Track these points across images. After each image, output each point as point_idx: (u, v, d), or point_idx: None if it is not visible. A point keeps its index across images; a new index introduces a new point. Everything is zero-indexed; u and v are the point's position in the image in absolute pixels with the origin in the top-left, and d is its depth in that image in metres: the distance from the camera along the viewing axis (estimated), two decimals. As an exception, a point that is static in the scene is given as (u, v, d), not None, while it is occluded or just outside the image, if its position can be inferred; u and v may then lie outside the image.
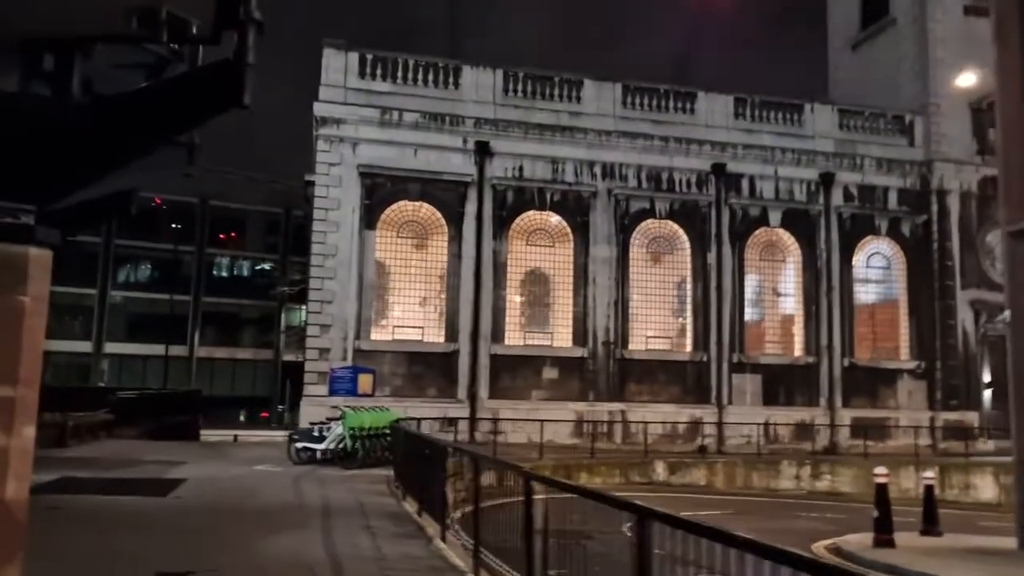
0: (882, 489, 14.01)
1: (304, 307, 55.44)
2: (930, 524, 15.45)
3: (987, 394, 29.32)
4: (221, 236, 60.45)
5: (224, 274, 62.81)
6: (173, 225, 56.83)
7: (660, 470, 24.12)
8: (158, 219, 58.99)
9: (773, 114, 28.93)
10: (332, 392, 24.37)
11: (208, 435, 34.54)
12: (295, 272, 50.57)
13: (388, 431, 17.60)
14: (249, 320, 61.74)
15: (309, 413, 23.76)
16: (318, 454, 16.95)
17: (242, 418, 55.83)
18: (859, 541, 14.98)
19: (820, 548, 15.62)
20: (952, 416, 28.47)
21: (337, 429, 16.91)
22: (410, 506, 11.60)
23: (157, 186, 49.05)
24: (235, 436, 32.19)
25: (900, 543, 13.99)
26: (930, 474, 16.49)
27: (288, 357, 58.35)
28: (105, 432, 21.58)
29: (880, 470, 14.49)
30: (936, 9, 30.01)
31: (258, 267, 63.08)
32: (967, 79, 28.40)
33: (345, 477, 15.13)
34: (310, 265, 25.18)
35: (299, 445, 17.13)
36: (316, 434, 17.15)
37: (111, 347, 56.92)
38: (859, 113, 29.79)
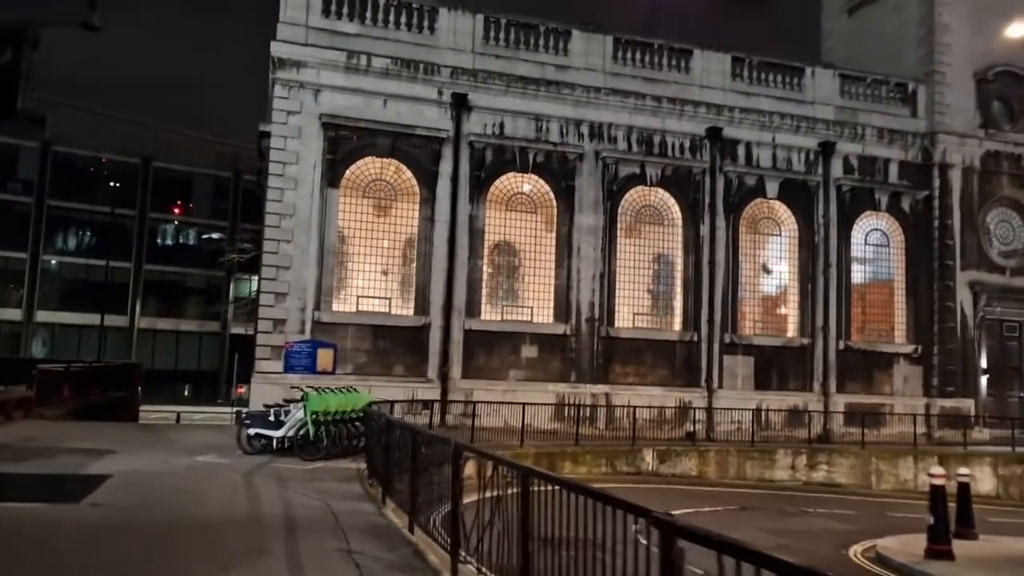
0: (939, 492, 12.09)
1: (255, 277, 52.34)
2: (965, 526, 13.68)
3: (983, 380, 27.98)
4: (165, 200, 56.57)
5: (168, 241, 59.00)
6: (113, 185, 52.83)
7: (649, 459, 22.14)
8: (96, 180, 55.00)
9: (772, 77, 26.89)
10: (288, 369, 21.73)
11: (148, 412, 31.54)
12: (245, 241, 47.27)
13: (356, 416, 15.14)
14: (195, 290, 58.13)
15: (261, 392, 21.06)
16: (274, 442, 14.37)
17: (186, 393, 52.66)
18: (903, 549, 13.09)
19: (858, 556, 13.79)
20: (948, 403, 27.07)
21: (297, 413, 14.34)
22: (395, 516, 9.23)
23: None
24: (177, 415, 29.36)
25: (956, 552, 12.19)
26: (965, 470, 14.67)
27: (237, 330, 55.14)
28: (21, 412, 18.59)
29: (936, 470, 12.57)
30: (943, -29, 28.24)
31: (205, 234, 59.38)
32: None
33: (308, 472, 12.63)
34: (264, 226, 22.38)
35: (251, 431, 14.53)
36: (272, 419, 14.55)
37: (44, 316, 52.93)
38: (861, 79, 27.92)
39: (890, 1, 30.39)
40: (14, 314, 52.27)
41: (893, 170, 27.79)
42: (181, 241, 59.67)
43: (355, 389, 16.13)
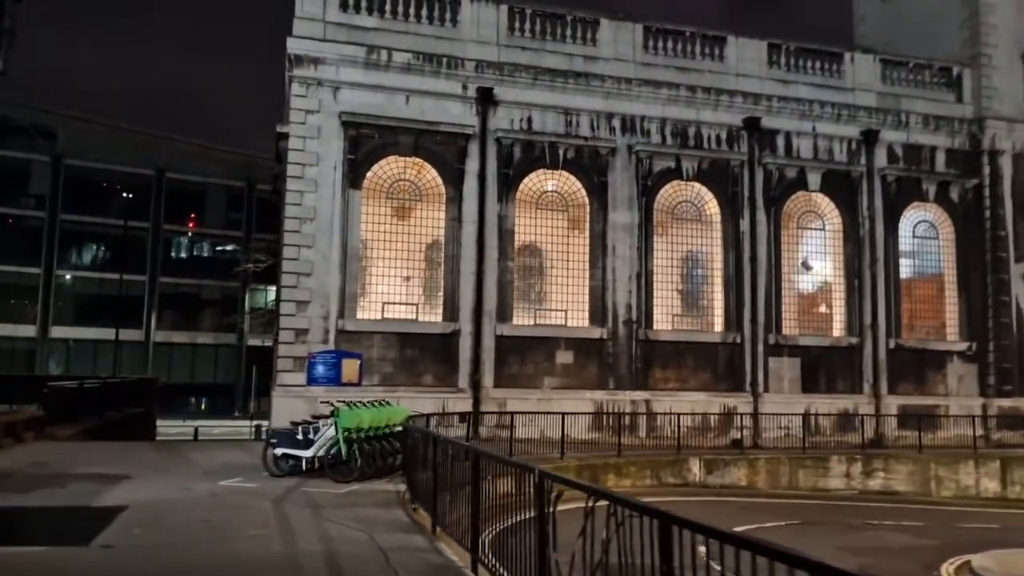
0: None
1: (271, 287, 51.33)
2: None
3: (1042, 378, 26.46)
4: (178, 211, 55.73)
5: (182, 252, 58.19)
6: (126, 198, 52.00)
7: (695, 469, 20.85)
8: (109, 193, 54.24)
9: (810, 63, 25.55)
10: (311, 381, 20.56)
11: (165, 427, 30.52)
12: (260, 251, 46.30)
13: (390, 432, 13.94)
14: (210, 302, 57.24)
15: (284, 407, 19.95)
16: (303, 463, 13.17)
17: (203, 407, 51.71)
18: (1004, 568, 11.77)
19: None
20: (1006, 403, 25.58)
21: (328, 431, 13.13)
22: (450, 549, 8.01)
23: None
24: (195, 430, 28.28)
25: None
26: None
27: (253, 342, 54.18)
28: (32, 433, 17.48)
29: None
30: (987, -52, 26.85)
31: (219, 245, 58.51)
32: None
33: (343, 497, 11.41)
34: (283, 231, 21.25)
35: (278, 451, 13.32)
36: (300, 437, 13.34)
37: (59, 331, 52.15)
38: (903, 64, 26.54)
39: (929, -18, 29.00)
40: (29, 330, 51.53)
41: (940, 158, 26.38)
42: (195, 253, 58.85)
43: (387, 402, 14.91)
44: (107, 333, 47.64)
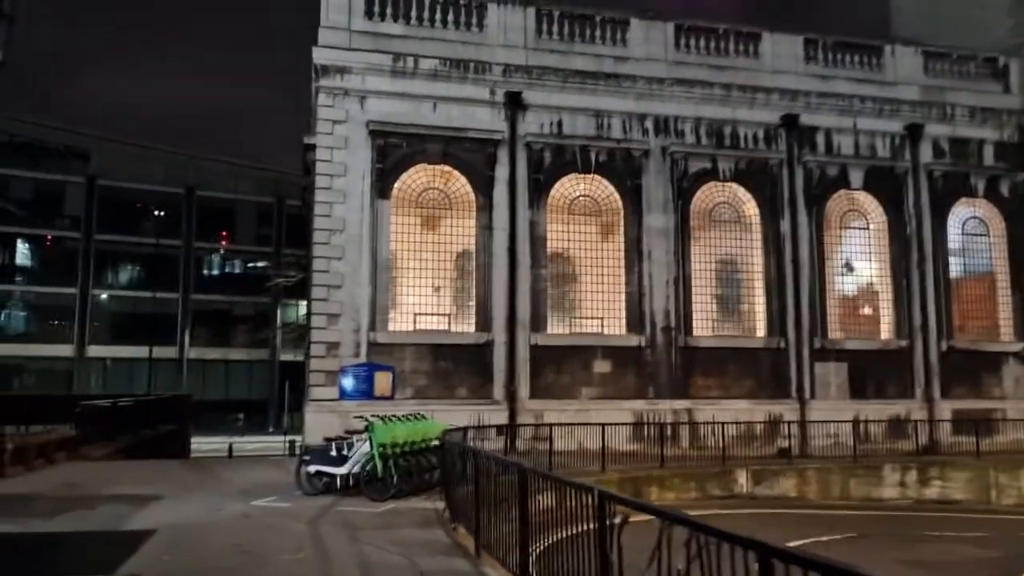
0: None
1: (303, 302, 51.28)
2: None
3: (1103, 378, 25.23)
4: (209, 228, 56.00)
5: (214, 270, 58.45)
6: (158, 215, 52.32)
7: (742, 480, 20.02)
8: (142, 212, 54.69)
9: (849, 57, 24.73)
10: (343, 395, 20.16)
11: (199, 444, 30.31)
12: (290, 265, 46.27)
13: (427, 447, 13.42)
14: (242, 318, 57.37)
15: (316, 422, 19.54)
16: (338, 480, 12.69)
17: (238, 423, 51.67)
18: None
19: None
20: (1067, 404, 24.38)
21: (363, 447, 12.64)
22: (495, 573, 7.44)
23: None
24: (229, 447, 28.04)
25: None
26: None
27: (285, 357, 54.14)
28: (64, 453, 17.24)
29: None
30: (1032, -68, 25.90)
31: (250, 261, 58.70)
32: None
33: (380, 517, 10.89)
34: (313, 244, 20.90)
35: (312, 468, 12.86)
36: (334, 453, 12.86)
37: (95, 350, 52.54)
38: (946, 56, 25.60)
39: (969, -29, 28.08)
40: (66, 350, 51.97)
41: (988, 152, 25.36)
42: (227, 269, 59.10)
43: (422, 416, 14.40)
44: (142, 351, 47.86)
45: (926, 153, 24.72)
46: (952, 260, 24.79)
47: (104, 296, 54.34)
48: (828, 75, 24.36)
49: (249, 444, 35.55)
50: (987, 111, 25.31)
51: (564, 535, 5.61)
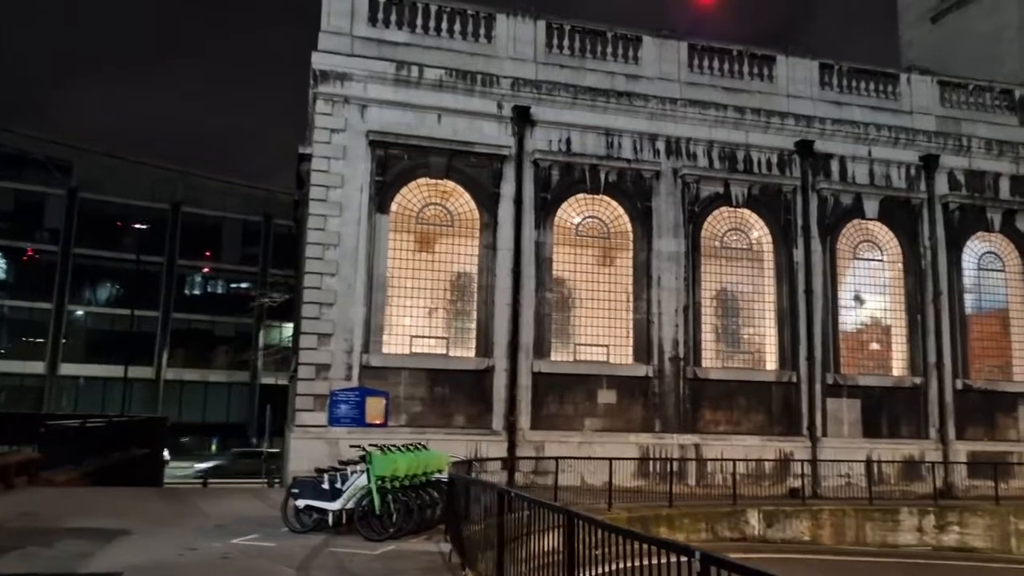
0: None
1: (285, 324, 49.75)
2: None
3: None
4: (194, 246, 54.55)
5: (196, 289, 56.89)
6: (141, 231, 50.84)
7: (754, 521, 18.87)
8: (124, 228, 53.21)
9: (864, 85, 24.02)
10: (332, 421, 18.83)
11: (174, 468, 28.74)
12: (276, 286, 44.94)
13: (428, 480, 12.16)
14: (223, 339, 55.75)
15: (302, 450, 18.21)
16: (330, 516, 11.35)
17: (213, 448, 49.88)
18: None
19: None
20: (1085, 449, 23.43)
21: (359, 479, 11.34)
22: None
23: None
24: (205, 473, 26.46)
25: None
26: None
27: (267, 380, 52.51)
28: (25, 477, 15.75)
29: None
30: (1047, -35, 25.49)
31: (234, 281, 57.22)
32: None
33: (378, 560, 9.60)
34: (305, 258, 19.68)
35: (301, 503, 11.53)
36: (326, 486, 11.54)
37: (68, 368, 50.68)
38: (962, 86, 24.98)
39: (983, 4, 27.61)
40: (37, 367, 50.07)
41: (1004, 185, 24.66)
42: (209, 288, 57.56)
43: (423, 446, 13.12)
44: (117, 371, 46.13)
45: (942, 185, 23.98)
46: (967, 296, 23.92)
47: (80, 312, 52.60)
48: (843, 102, 23.63)
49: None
50: (1003, 144, 24.66)
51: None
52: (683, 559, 4.02)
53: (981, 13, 27.54)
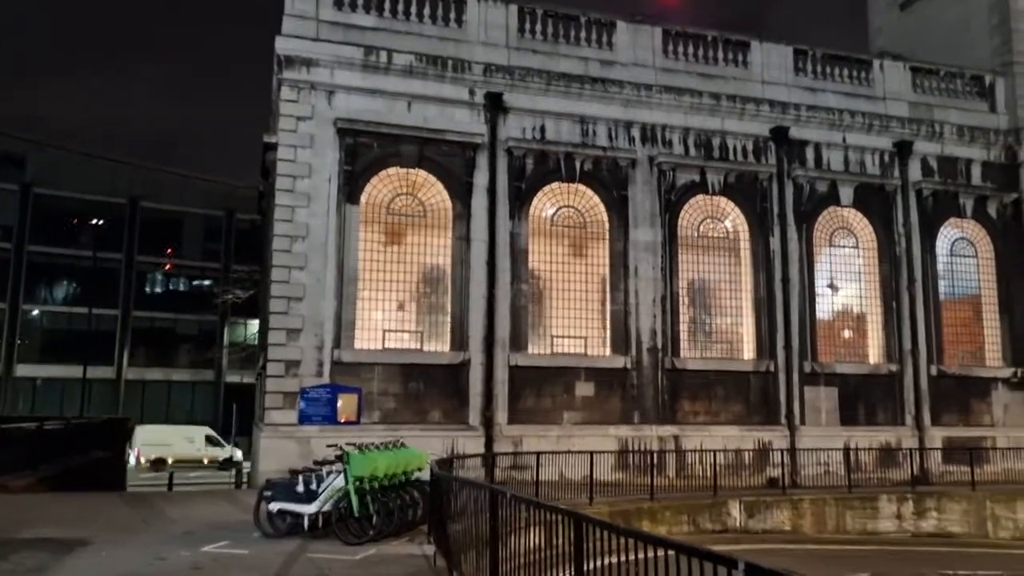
0: None
1: (250, 320, 48.67)
2: None
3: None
4: (154, 242, 53.07)
5: (157, 286, 55.41)
6: (98, 227, 49.28)
7: (735, 512, 18.64)
8: (81, 223, 51.57)
9: (838, 71, 23.89)
10: (303, 419, 18.19)
11: (139, 471, 27.83)
12: (240, 284, 43.82)
13: (408, 479, 11.63)
14: (186, 337, 54.35)
15: (271, 449, 17.58)
16: (306, 520, 10.75)
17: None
18: None
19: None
20: (1056, 432, 23.63)
21: (336, 480, 10.76)
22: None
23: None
24: (170, 476, 25.62)
25: None
26: None
27: (232, 378, 51.36)
28: (-23, 485, 14.91)
29: None
30: (1015, -48, 25.56)
31: (197, 278, 55.85)
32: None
33: (358, 566, 9.06)
34: (272, 251, 18.96)
35: (275, 506, 10.92)
36: (301, 488, 10.93)
37: (24, 370, 49.00)
38: (934, 72, 24.99)
39: (952, -9, 27.69)
40: (-9, 368, 48.36)
41: (976, 171, 24.73)
42: (171, 286, 56.10)
43: (402, 444, 12.56)
44: (76, 371, 44.60)
45: (915, 171, 23.96)
46: (941, 282, 23.96)
47: (36, 312, 50.90)
48: (817, 88, 23.48)
49: (192, 471, 32.95)
50: (975, 130, 24.73)
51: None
52: (725, 570, 3.57)
53: (949, 1, 27.60)
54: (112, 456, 24.28)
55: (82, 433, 23.26)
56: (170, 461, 33.05)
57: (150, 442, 35.94)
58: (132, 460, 36.12)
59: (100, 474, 21.59)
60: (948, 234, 24.29)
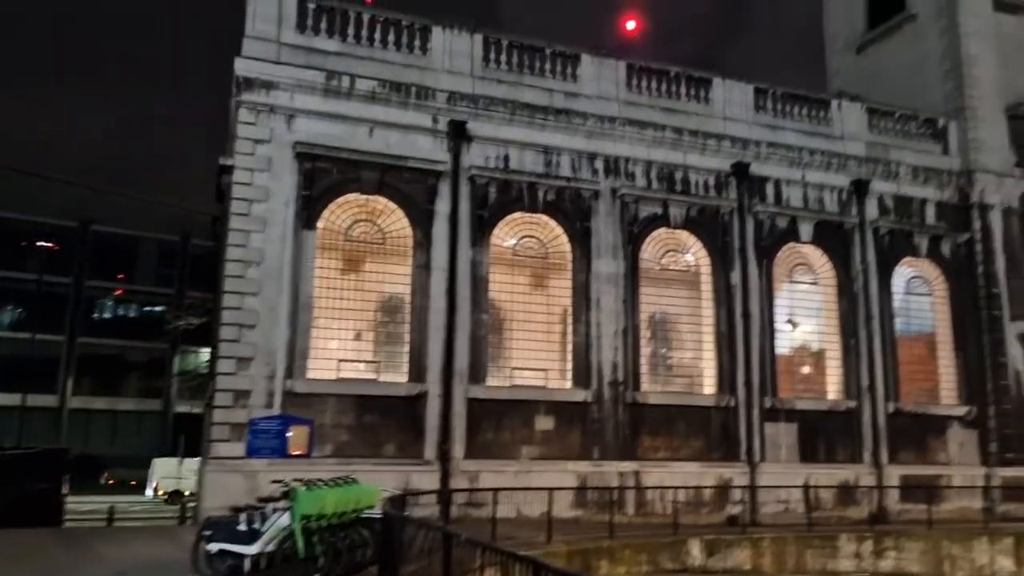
0: None
1: (201, 349, 47.34)
2: None
3: (1044, 445, 24.88)
4: (105, 266, 51.69)
5: (106, 312, 53.89)
6: (44, 249, 47.77)
7: (696, 551, 18.27)
8: (28, 246, 50.01)
9: (797, 109, 24.20)
10: (252, 452, 17.47)
11: (77, 504, 26.45)
12: (192, 311, 42.71)
13: (359, 517, 11.07)
14: (135, 364, 52.83)
15: (217, 484, 16.82)
16: (246, 563, 10.10)
17: (123, 481, 46.80)
18: None
19: None
20: (1009, 472, 23.82)
21: (281, 519, 10.16)
22: None
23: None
24: (111, 510, 24.46)
25: None
26: None
27: (181, 408, 49.87)
28: None
29: None
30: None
31: (148, 304, 54.43)
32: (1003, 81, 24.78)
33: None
34: (224, 276, 18.30)
35: (214, 547, 10.25)
36: (243, 528, 10.29)
37: (-40, 397, 46.95)
38: (889, 114, 25.47)
39: (905, 36, 28.39)
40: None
41: (930, 211, 25.15)
42: (120, 312, 54.59)
43: (353, 479, 12.01)
44: (15, 399, 42.88)
45: (872, 210, 24.26)
46: (897, 320, 24.17)
47: (-24, 337, 49.04)
48: (778, 125, 23.73)
49: (136, 506, 31.62)
50: (929, 171, 25.20)
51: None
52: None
53: (904, 45, 28.27)
54: (50, 488, 23.08)
55: (17, 464, 22.08)
56: (187, 494, 32.30)
57: (167, 475, 35.99)
58: (149, 492, 36.32)
59: (35, 507, 20.45)
60: (904, 272, 24.58)
